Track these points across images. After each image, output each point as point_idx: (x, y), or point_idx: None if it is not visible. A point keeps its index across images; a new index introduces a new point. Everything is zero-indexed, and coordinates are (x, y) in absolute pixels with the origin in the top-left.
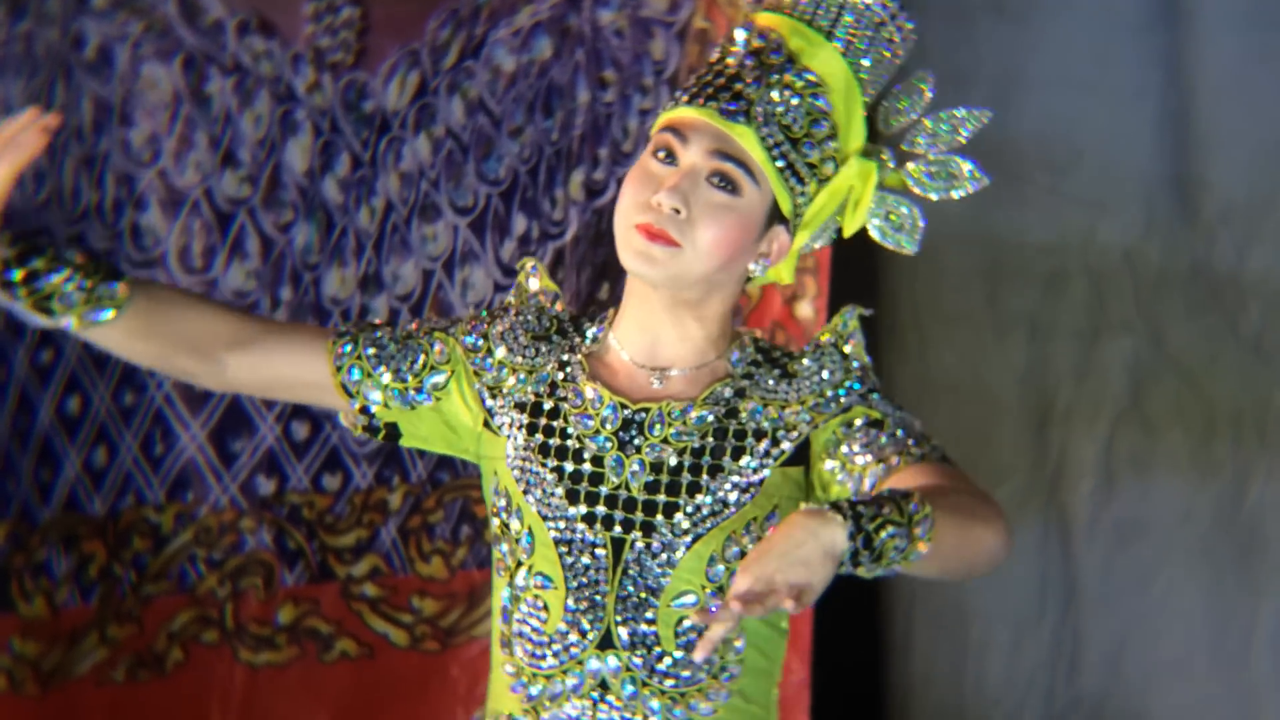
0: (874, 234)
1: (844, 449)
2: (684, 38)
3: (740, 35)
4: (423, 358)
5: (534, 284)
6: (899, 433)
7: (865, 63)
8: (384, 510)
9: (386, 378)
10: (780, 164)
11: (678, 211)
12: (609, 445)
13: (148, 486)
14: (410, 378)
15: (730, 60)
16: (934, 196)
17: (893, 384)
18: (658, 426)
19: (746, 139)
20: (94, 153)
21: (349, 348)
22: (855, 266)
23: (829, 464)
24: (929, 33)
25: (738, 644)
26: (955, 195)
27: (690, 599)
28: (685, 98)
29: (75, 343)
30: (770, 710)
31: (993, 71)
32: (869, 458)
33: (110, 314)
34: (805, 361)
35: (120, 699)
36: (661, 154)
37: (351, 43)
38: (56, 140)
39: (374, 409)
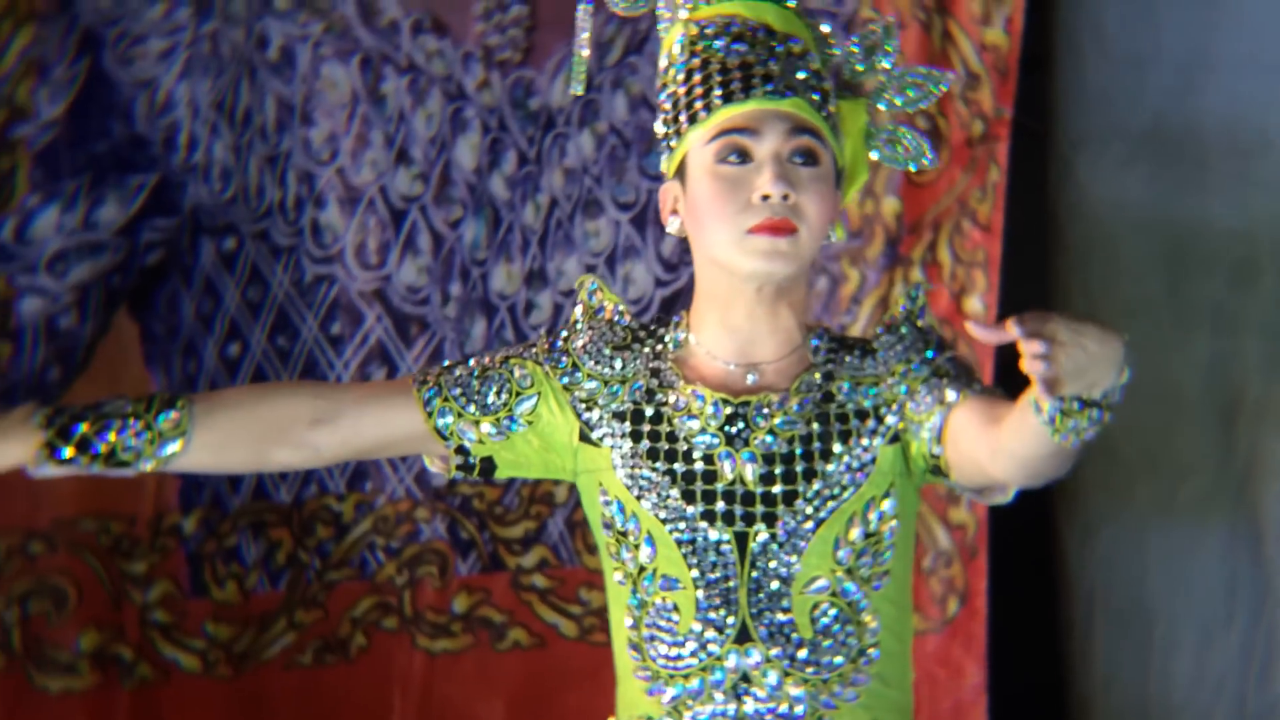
0: (883, 159)
1: (910, 407)
2: (849, 28)
3: (710, 31)
4: (507, 386)
5: (596, 299)
6: (954, 372)
7: (817, 21)
8: (550, 502)
9: (477, 414)
10: (832, 123)
11: (786, 198)
12: (716, 442)
13: (329, 476)
14: (500, 408)
15: (722, 55)
16: (893, 164)
17: None
18: (761, 418)
19: (803, 109)
20: (277, 151)
21: (434, 393)
22: (1025, 258)
23: (922, 433)
24: (1108, 14)
25: (874, 625)
26: (911, 167)
27: (822, 583)
28: (719, 101)
29: (260, 337)
30: (907, 694)
31: (1176, 54)
32: (930, 401)
33: (178, 444)
34: (883, 338)
35: (307, 682)
36: (732, 157)
37: (520, 40)
38: (242, 139)
39: (469, 447)
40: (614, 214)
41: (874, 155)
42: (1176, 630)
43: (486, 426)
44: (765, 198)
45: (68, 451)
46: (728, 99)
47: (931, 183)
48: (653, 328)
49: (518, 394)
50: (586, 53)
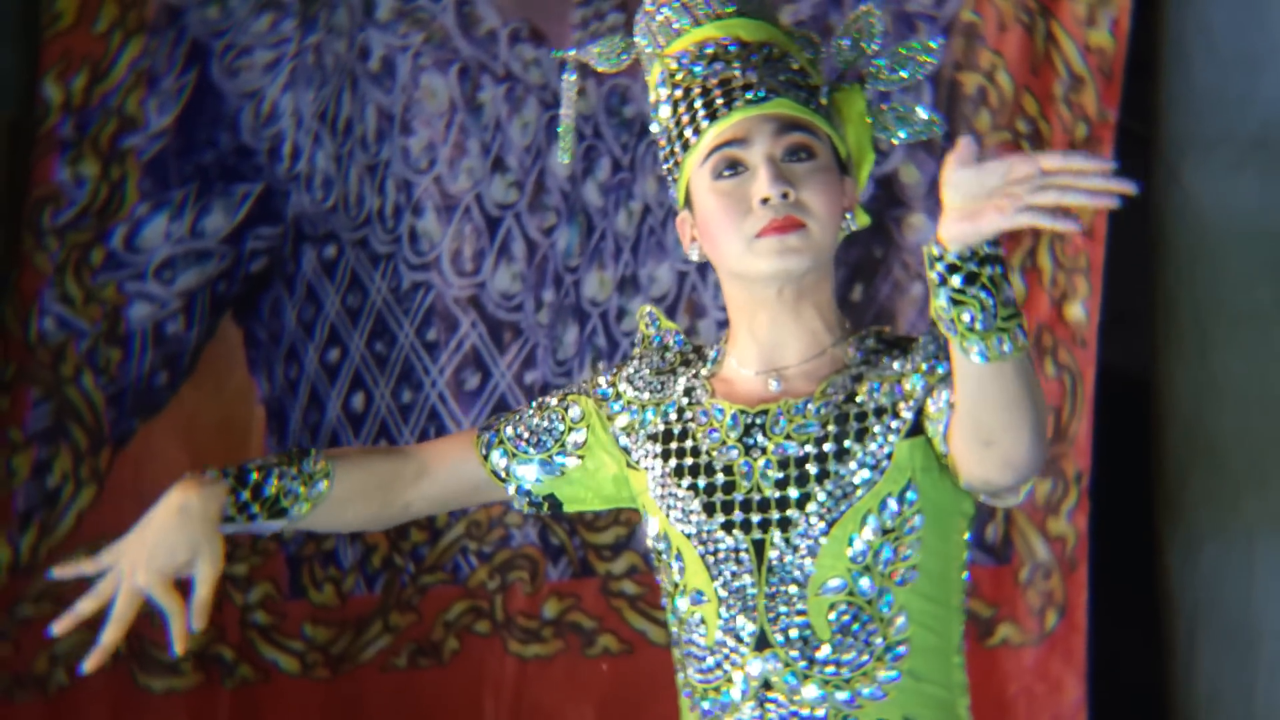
0: (896, 137)
1: (930, 404)
2: (950, 32)
3: (686, 60)
4: (562, 424)
5: (654, 329)
6: None
7: (777, 21)
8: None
9: (532, 452)
10: (823, 112)
11: (786, 196)
12: (736, 453)
13: None
14: (553, 444)
15: (701, 78)
16: (896, 140)
17: (1171, 389)
18: (779, 424)
19: (788, 107)
20: (376, 160)
21: (492, 438)
22: (1128, 265)
23: (929, 426)
24: (1216, 14)
25: (899, 621)
26: (908, 138)
27: (837, 582)
28: (706, 122)
29: (359, 343)
30: (953, 690)
31: None
32: (944, 401)
33: (326, 484)
34: (922, 339)
35: (403, 685)
36: (727, 172)
37: None
38: (343, 149)
39: (529, 486)
40: None
41: (888, 137)
42: None
43: (540, 466)
44: (765, 200)
45: (246, 494)
46: (713, 117)
47: None
48: (704, 349)
49: (570, 429)
50: (572, 124)
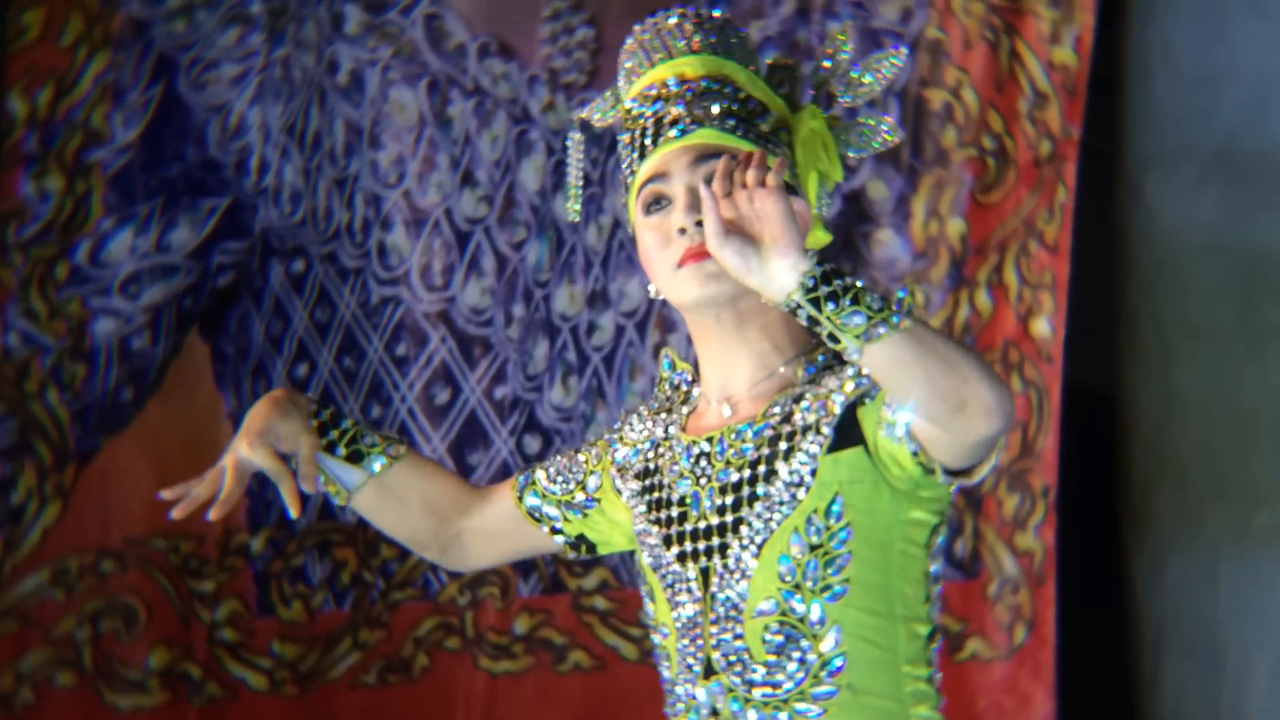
0: (854, 155)
1: (884, 409)
2: (915, 48)
3: (634, 106)
4: (584, 467)
5: (669, 370)
6: None
7: (734, 51)
8: None
9: (558, 492)
10: (753, 136)
11: (700, 224)
12: (688, 484)
13: None
14: (574, 486)
15: (642, 120)
16: (860, 153)
17: (1135, 404)
18: (721, 451)
19: (712, 136)
20: (345, 174)
21: (526, 480)
22: (1093, 281)
23: (882, 434)
24: (1179, 33)
25: (832, 636)
26: (871, 151)
27: (769, 604)
28: (638, 163)
29: (328, 358)
30: (904, 700)
31: (1249, 73)
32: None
33: (403, 449)
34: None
35: (372, 702)
36: (654, 207)
37: (585, 63)
38: (311, 163)
39: (561, 526)
40: None
41: (851, 153)
42: (1248, 662)
43: (565, 508)
44: (682, 230)
45: (327, 415)
46: (642, 155)
47: (998, 204)
48: (695, 386)
49: (589, 473)
50: (580, 180)
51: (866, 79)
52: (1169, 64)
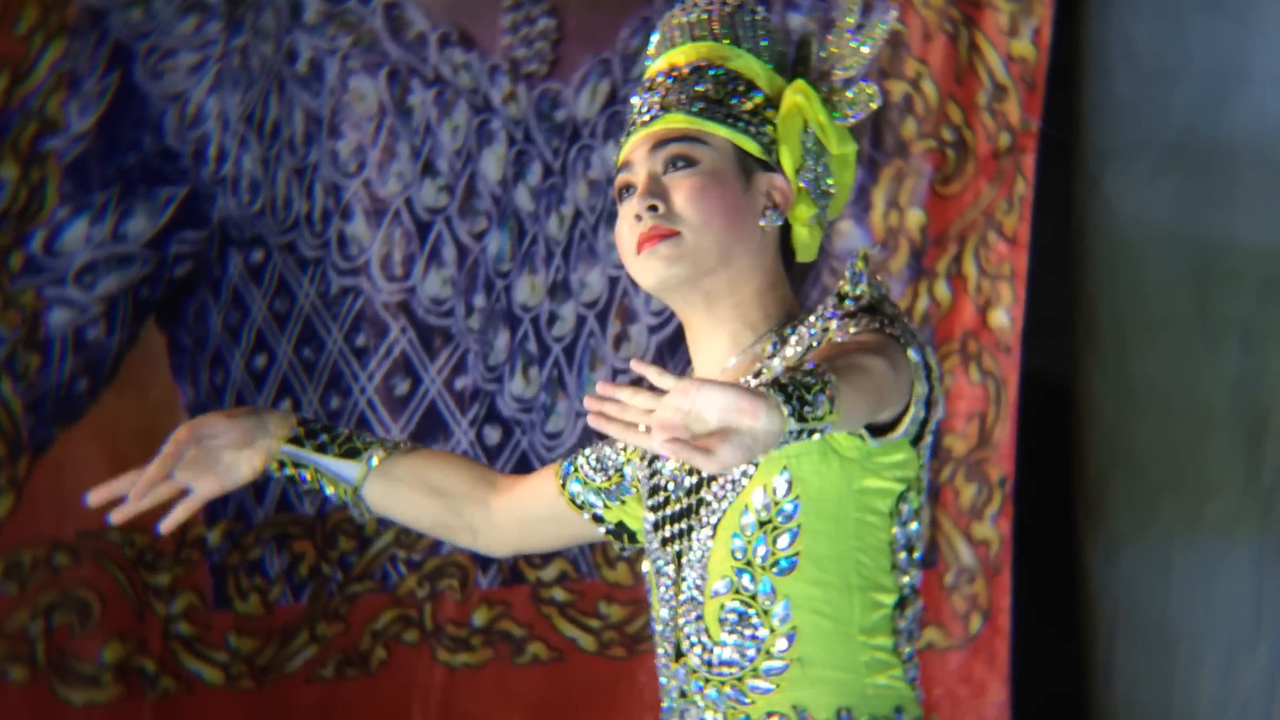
0: (847, 118)
1: None
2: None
3: (635, 96)
4: (621, 454)
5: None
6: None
7: (739, 31)
8: None
9: (598, 480)
10: (719, 115)
11: (654, 209)
12: (670, 469)
13: None
14: (613, 473)
15: (631, 113)
16: (857, 117)
17: (1091, 395)
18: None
19: (675, 120)
20: (304, 164)
21: (570, 466)
22: (1051, 271)
23: None
24: (1136, 27)
25: (781, 610)
26: (863, 113)
27: (723, 584)
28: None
29: (286, 348)
30: (857, 670)
31: (1205, 67)
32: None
33: (407, 443)
34: (811, 317)
35: (329, 695)
36: (623, 194)
37: (547, 53)
38: (270, 152)
39: (601, 513)
40: None
41: (844, 121)
42: (1201, 650)
43: (605, 495)
44: (638, 218)
45: (318, 426)
46: (620, 148)
47: (957, 195)
48: None
49: (627, 460)
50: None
51: (865, 48)
52: (1127, 58)
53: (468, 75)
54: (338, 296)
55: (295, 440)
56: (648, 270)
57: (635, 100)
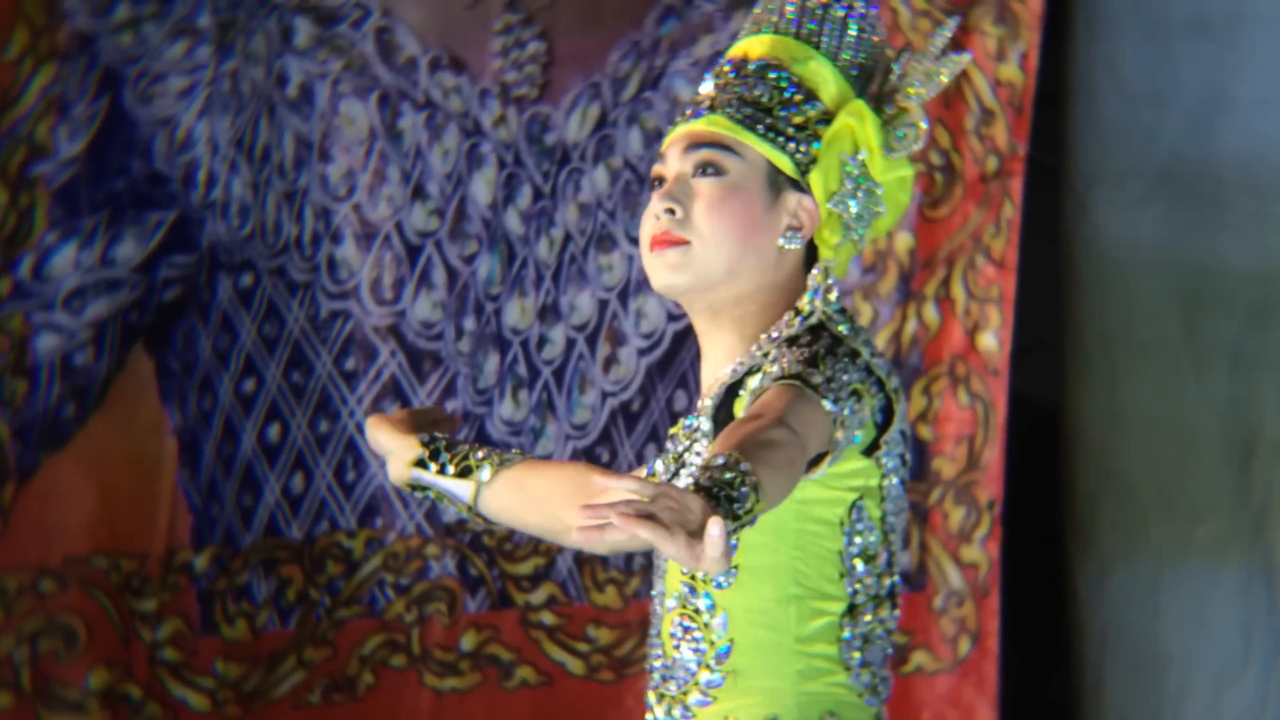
0: (899, 154)
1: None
2: None
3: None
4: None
5: None
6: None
7: (823, 33)
8: None
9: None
10: (760, 129)
11: (672, 212)
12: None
13: (340, 512)
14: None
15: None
16: (906, 152)
17: (1080, 418)
18: (683, 446)
19: (715, 124)
20: (294, 188)
21: (651, 471)
22: (1039, 295)
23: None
24: (1124, 52)
25: (719, 624)
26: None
27: (673, 600)
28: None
29: (276, 372)
30: (791, 679)
31: (1193, 92)
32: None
33: (516, 452)
34: (771, 331)
35: None
36: (655, 185)
37: (536, 76)
38: (260, 176)
39: None
40: (627, 248)
41: (890, 155)
42: (1191, 674)
43: None
44: (657, 217)
45: (441, 445)
46: (666, 133)
47: (945, 219)
48: None
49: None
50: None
51: (943, 75)
52: (1114, 83)
53: (458, 99)
54: (327, 320)
55: (420, 463)
56: (654, 272)
57: (704, 84)
